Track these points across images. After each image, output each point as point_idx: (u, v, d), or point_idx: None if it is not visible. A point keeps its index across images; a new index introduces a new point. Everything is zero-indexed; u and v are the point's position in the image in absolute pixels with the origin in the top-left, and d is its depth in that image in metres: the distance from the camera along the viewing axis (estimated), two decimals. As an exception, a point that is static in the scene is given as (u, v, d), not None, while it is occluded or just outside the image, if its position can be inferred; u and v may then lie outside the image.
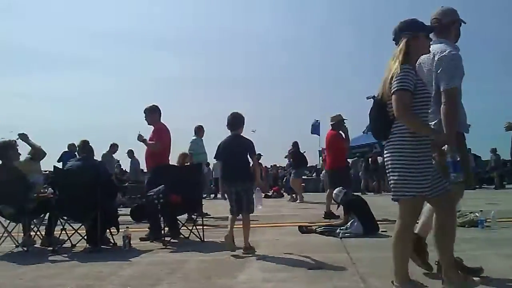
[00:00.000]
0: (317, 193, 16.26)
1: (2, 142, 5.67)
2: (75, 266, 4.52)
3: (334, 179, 7.81)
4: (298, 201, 13.02)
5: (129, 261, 4.64)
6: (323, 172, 21.01)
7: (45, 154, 6.08)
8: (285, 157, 15.45)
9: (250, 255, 4.74)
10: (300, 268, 4.07)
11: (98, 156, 8.20)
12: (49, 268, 4.48)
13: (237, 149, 5.03)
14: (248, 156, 5.06)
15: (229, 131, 5.14)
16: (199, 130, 9.34)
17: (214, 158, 5.34)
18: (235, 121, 5.13)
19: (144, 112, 6.46)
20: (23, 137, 5.94)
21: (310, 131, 22.88)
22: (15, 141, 5.77)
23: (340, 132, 8.18)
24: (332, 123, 8.28)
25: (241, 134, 5.17)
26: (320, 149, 24.27)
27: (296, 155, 13.96)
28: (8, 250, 5.52)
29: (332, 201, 7.28)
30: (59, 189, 5.61)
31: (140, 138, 6.36)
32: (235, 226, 5.02)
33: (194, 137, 9.22)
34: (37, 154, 5.99)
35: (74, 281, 3.82)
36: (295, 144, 14.07)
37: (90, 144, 5.84)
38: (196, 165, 6.84)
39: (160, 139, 6.42)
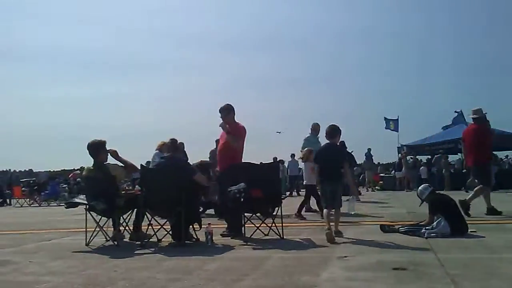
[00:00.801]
0: (394, 191, 15.69)
1: (95, 142, 6.03)
2: (163, 260, 4.72)
3: (482, 175, 7.79)
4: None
5: (212, 256, 4.76)
6: (403, 170, 20.41)
7: (138, 169, 6.15)
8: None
9: (339, 237, 5.52)
10: (384, 268, 3.94)
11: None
12: (139, 261, 4.71)
13: (332, 156, 5.95)
14: (340, 161, 6.05)
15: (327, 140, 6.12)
16: (315, 128, 9.40)
17: (314, 161, 6.41)
18: (333, 132, 6.02)
19: (220, 112, 6.55)
20: (114, 154, 6.11)
21: (390, 128, 22.24)
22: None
23: (485, 126, 7.98)
24: (475, 116, 8.01)
25: (336, 143, 6.17)
26: (399, 145, 23.53)
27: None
28: (100, 243, 5.90)
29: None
30: (146, 186, 5.90)
31: (224, 127, 6.46)
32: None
33: (308, 135, 9.29)
34: (129, 170, 6.27)
35: (163, 274, 3.99)
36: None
37: (178, 143, 6.06)
38: (274, 162, 6.86)
39: (240, 137, 6.52)
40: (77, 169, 22.47)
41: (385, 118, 23.61)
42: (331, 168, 5.87)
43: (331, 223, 5.65)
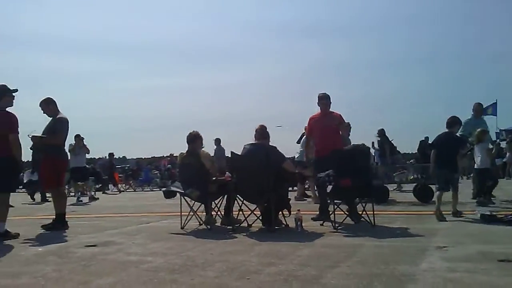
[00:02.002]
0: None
1: (193, 133, 6.38)
2: (255, 245, 4.81)
3: None
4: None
5: (304, 242, 4.77)
6: (508, 155, 18.97)
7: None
8: (372, 147, 14.47)
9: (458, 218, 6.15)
10: (487, 259, 3.70)
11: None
12: (232, 245, 4.84)
13: (450, 143, 6.61)
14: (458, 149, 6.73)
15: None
16: (477, 109, 9.08)
17: (430, 147, 7.29)
18: (452, 122, 6.74)
19: (324, 99, 6.73)
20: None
21: (487, 113, 20.70)
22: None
23: None
24: None
25: (455, 132, 6.82)
26: (498, 130, 21.97)
27: (383, 144, 13.45)
28: (194, 227, 6.15)
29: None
30: (236, 172, 6.04)
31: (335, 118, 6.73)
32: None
33: (469, 118, 8.95)
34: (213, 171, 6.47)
35: (257, 258, 4.07)
36: (381, 132, 13.53)
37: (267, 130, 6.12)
38: (365, 149, 6.66)
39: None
40: (167, 156, 23.62)
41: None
42: (449, 155, 6.52)
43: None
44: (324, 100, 6.77)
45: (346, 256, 4.04)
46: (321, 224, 5.96)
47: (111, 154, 20.36)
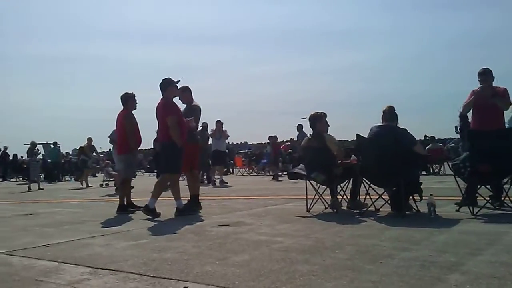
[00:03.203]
0: None
1: (316, 114, 6.38)
2: (385, 229, 4.67)
3: None
4: None
5: (439, 228, 4.51)
6: None
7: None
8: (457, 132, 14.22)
9: None
10: None
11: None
12: (361, 229, 4.77)
13: None
14: None
15: None
16: None
17: None
18: None
19: (483, 74, 6.20)
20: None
21: None
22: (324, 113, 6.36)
23: None
24: None
25: None
26: None
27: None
28: (319, 210, 6.18)
29: None
30: (362, 155, 5.90)
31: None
32: None
33: None
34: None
35: (388, 242, 3.95)
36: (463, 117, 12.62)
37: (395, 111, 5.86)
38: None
39: None
40: (286, 141, 23.93)
41: None
42: None
43: None
44: (484, 76, 6.20)
45: (488, 243, 3.73)
46: (457, 210, 5.58)
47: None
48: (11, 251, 4.19)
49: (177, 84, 6.61)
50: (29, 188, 15.27)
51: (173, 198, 6.46)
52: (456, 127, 14.35)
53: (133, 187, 7.99)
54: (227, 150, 14.68)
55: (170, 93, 6.51)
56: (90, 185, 15.76)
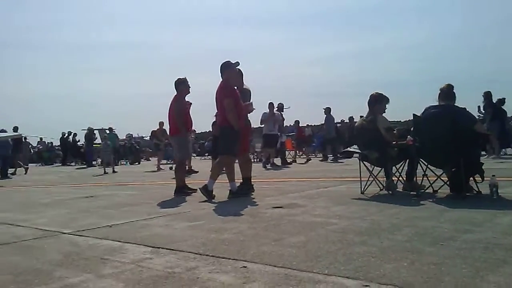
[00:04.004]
0: None
1: (375, 94, 6.26)
2: (445, 211, 4.52)
3: None
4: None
5: (503, 210, 4.32)
6: None
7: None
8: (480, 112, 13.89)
9: None
10: None
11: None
12: (419, 211, 4.64)
13: None
14: None
15: None
16: None
17: None
18: None
19: None
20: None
21: None
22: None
23: None
24: None
25: None
26: None
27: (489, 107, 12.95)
28: (374, 192, 6.06)
29: None
30: (419, 135, 5.71)
31: None
32: None
33: None
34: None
35: (448, 224, 3.82)
36: (487, 95, 13.20)
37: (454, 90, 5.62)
38: None
39: None
40: (337, 123, 23.55)
41: None
42: None
43: None
44: None
45: (561, 226, 3.54)
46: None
47: None
48: (77, 232, 4.41)
49: (237, 67, 6.70)
50: (105, 171, 16.01)
51: (227, 180, 6.56)
52: (479, 106, 13.89)
53: (197, 172, 8.15)
54: (279, 133, 14.64)
55: (229, 75, 6.59)
56: (161, 168, 16.30)
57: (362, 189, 6.12)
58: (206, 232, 4.04)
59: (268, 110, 13.85)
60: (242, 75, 7.13)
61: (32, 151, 30.44)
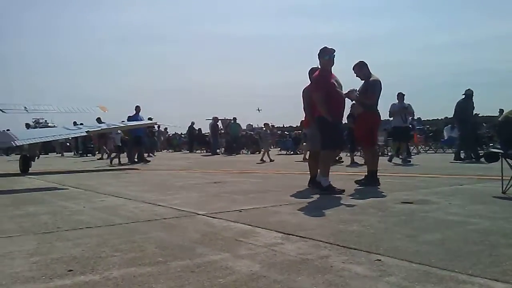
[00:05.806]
0: None
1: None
2: None
3: None
4: None
5: None
6: None
7: None
8: None
9: None
10: None
11: None
12: None
13: None
14: None
15: None
16: None
17: None
18: None
19: None
20: None
21: None
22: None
23: None
24: None
25: None
26: None
27: None
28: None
29: None
30: None
31: None
32: None
33: None
34: None
35: None
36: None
37: None
38: None
39: None
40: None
41: None
42: None
43: None
44: None
45: None
46: None
47: None
48: (211, 214, 4.69)
49: (333, 54, 6.29)
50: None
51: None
52: None
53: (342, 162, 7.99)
54: (410, 126, 13.80)
55: (324, 62, 6.31)
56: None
57: (504, 188, 5.57)
58: (334, 223, 4.02)
59: (397, 101, 13.13)
60: (367, 66, 6.91)
61: (162, 138, 33.12)
